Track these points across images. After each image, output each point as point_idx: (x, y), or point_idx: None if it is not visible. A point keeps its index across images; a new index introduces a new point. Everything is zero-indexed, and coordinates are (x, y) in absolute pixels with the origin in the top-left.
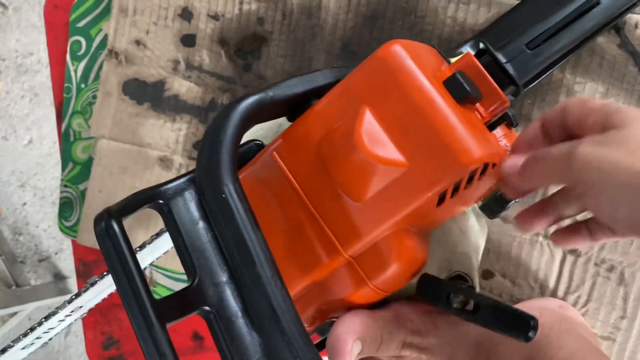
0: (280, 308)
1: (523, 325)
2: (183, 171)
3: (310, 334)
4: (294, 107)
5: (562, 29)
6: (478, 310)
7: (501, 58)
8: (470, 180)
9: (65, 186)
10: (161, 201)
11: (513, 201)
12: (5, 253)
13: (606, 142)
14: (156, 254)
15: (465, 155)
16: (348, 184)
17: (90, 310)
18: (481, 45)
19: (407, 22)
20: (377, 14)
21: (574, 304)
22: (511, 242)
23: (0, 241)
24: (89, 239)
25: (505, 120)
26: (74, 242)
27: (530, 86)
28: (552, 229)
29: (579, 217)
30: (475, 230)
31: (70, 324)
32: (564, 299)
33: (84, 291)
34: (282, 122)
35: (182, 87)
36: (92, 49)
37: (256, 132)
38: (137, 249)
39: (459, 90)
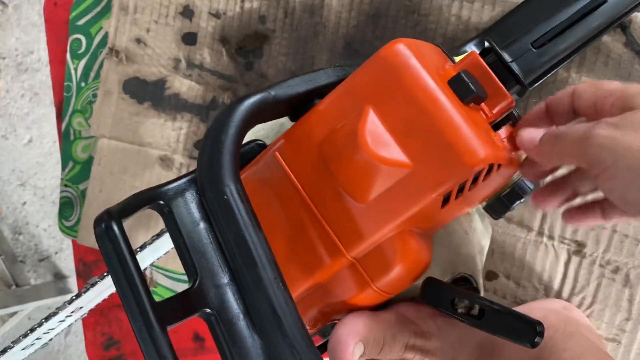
0: (282, 310)
1: (529, 331)
2: (184, 170)
3: (312, 336)
4: (297, 107)
5: (568, 27)
6: (483, 315)
7: (506, 57)
8: (475, 181)
9: (66, 186)
10: (162, 202)
11: (517, 202)
12: (5, 252)
13: (622, 125)
14: (156, 254)
15: (470, 155)
16: (351, 184)
17: (91, 310)
18: (486, 44)
19: (411, 21)
20: (380, 12)
21: (579, 306)
22: (515, 242)
23: (0, 241)
24: (89, 239)
25: (511, 120)
26: (74, 242)
27: (535, 85)
28: (558, 227)
29: (591, 197)
30: (479, 231)
31: (71, 324)
32: (568, 300)
33: (85, 292)
34: (284, 122)
35: (183, 85)
36: (93, 47)
37: (258, 132)
38: (138, 249)
39: (464, 89)
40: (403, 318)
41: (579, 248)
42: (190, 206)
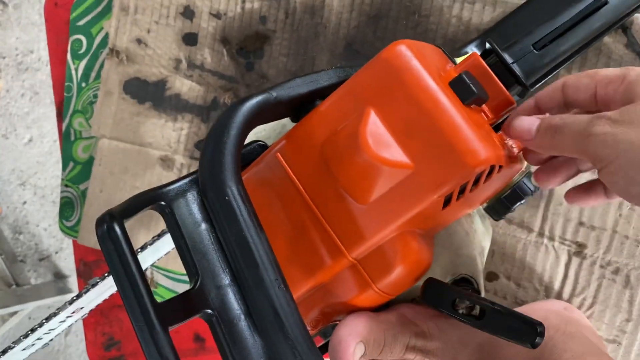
0: (284, 311)
1: (530, 332)
2: (184, 171)
3: (313, 337)
4: (298, 108)
5: (569, 29)
6: (484, 316)
7: (508, 58)
8: (476, 182)
9: (66, 186)
10: (163, 203)
11: (518, 203)
12: (5, 252)
13: (622, 120)
14: (157, 255)
15: (471, 156)
16: (352, 185)
17: (91, 311)
18: (487, 46)
19: (411, 21)
20: (381, 13)
21: (579, 307)
22: (516, 243)
23: (0, 240)
24: (90, 239)
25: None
26: (74, 242)
27: (537, 86)
28: (558, 228)
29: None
30: (480, 232)
31: (71, 324)
32: (569, 301)
33: (85, 292)
34: (286, 123)
35: (184, 86)
36: (93, 47)
37: (259, 133)
38: (139, 250)
39: (465, 91)
40: (404, 319)
41: (579, 249)
42: (191, 207)
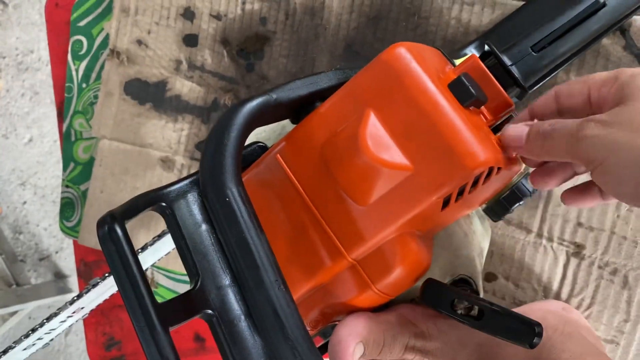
0: (284, 311)
1: (528, 332)
2: (185, 172)
3: (313, 337)
4: (298, 110)
5: (567, 31)
6: (482, 316)
7: (506, 60)
8: (475, 184)
9: (67, 186)
10: (164, 204)
11: (517, 204)
12: (5, 252)
13: (611, 122)
14: (158, 255)
15: (470, 158)
16: (352, 187)
17: (92, 311)
18: (486, 48)
19: (411, 23)
20: (381, 14)
21: (578, 307)
22: (514, 244)
23: (0, 240)
24: (91, 240)
25: (510, 123)
26: (75, 242)
27: (535, 88)
28: (557, 229)
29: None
30: (479, 233)
31: (72, 324)
32: (567, 301)
33: (86, 292)
34: (286, 125)
35: (184, 87)
36: (94, 48)
37: (259, 134)
38: (139, 250)
39: (464, 93)
40: (403, 319)
41: (577, 250)
42: (192, 208)
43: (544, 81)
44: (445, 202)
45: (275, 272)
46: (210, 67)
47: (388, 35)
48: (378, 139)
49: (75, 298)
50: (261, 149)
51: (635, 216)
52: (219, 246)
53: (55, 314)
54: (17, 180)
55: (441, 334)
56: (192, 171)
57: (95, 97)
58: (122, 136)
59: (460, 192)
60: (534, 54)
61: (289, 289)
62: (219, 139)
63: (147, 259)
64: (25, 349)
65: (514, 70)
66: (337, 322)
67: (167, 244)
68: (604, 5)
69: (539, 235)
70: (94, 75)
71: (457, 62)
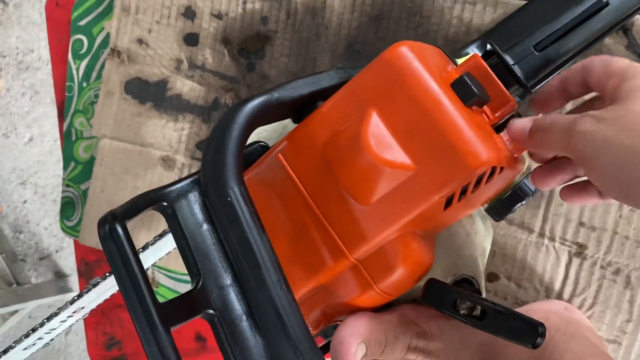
0: (285, 311)
1: (531, 332)
2: (185, 171)
3: (314, 337)
4: (299, 109)
5: (570, 30)
6: (485, 316)
7: (509, 60)
8: (477, 183)
9: (67, 186)
10: (165, 203)
11: (519, 204)
12: (5, 251)
13: (604, 118)
14: (158, 255)
15: (473, 158)
16: (354, 186)
17: (92, 310)
18: (488, 47)
19: (413, 22)
20: (383, 13)
21: (580, 307)
22: (517, 244)
23: (0, 239)
24: (91, 239)
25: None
26: (75, 242)
27: (538, 87)
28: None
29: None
30: (481, 233)
31: (72, 324)
32: (569, 301)
33: (86, 292)
34: (287, 124)
35: (185, 86)
36: (94, 47)
37: (260, 133)
38: (140, 250)
39: (466, 92)
40: (405, 319)
41: (580, 250)
42: (193, 208)
43: (547, 80)
44: (448, 202)
45: (277, 271)
46: (211, 67)
47: (389, 35)
48: (380, 138)
49: (75, 297)
50: (262, 148)
51: (638, 216)
52: (220, 246)
53: (56, 314)
54: (18, 179)
55: (443, 334)
56: (193, 171)
57: (96, 96)
58: (122, 135)
59: (463, 192)
60: (537, 53)
61: (291, 289)
62: (220, 138)
63: (148, 259)
64: (25, 349)
65: (517, 69)
66: (338, 322)
67: (168, 243)
68: (606, 4)
69: (541, 235)
70: (94, 75)
71: (459, 61)
